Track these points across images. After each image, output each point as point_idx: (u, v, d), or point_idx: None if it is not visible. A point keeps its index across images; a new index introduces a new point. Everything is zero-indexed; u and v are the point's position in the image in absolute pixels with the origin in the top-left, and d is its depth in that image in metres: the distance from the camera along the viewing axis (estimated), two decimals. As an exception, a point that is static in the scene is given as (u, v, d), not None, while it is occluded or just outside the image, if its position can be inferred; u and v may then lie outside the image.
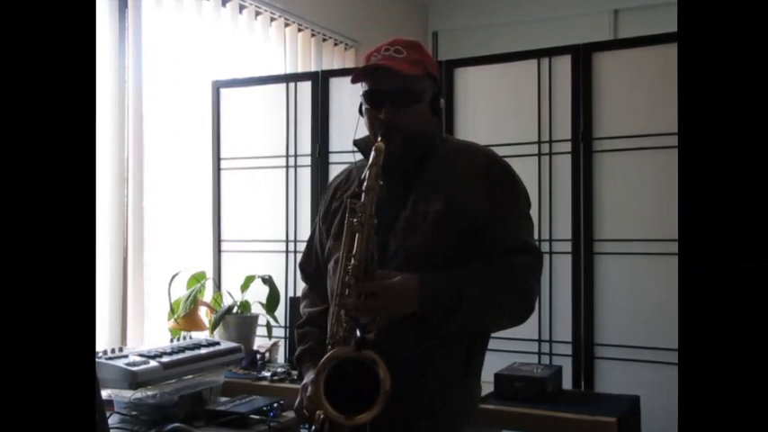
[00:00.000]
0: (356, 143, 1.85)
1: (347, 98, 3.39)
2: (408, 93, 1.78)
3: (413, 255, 1.73)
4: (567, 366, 2.90)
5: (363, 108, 1.83)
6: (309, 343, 1.92)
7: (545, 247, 3.00)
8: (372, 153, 1.68)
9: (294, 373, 2.94)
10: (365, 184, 1.66)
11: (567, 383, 2.87)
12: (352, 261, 1.65)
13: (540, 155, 3.05)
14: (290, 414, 2.52)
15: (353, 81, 1.83)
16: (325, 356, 1.62)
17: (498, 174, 1.81)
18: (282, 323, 3.41)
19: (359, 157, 1.92)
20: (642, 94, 2.90)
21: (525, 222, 1.82)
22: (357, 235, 1.65)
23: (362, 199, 1.66)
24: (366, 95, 1.81)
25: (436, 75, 1.87)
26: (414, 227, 1.75)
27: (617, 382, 2.85)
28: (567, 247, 2.97)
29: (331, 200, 1.95)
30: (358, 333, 1.59)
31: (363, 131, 1.85)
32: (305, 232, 3.46)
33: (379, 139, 1.72)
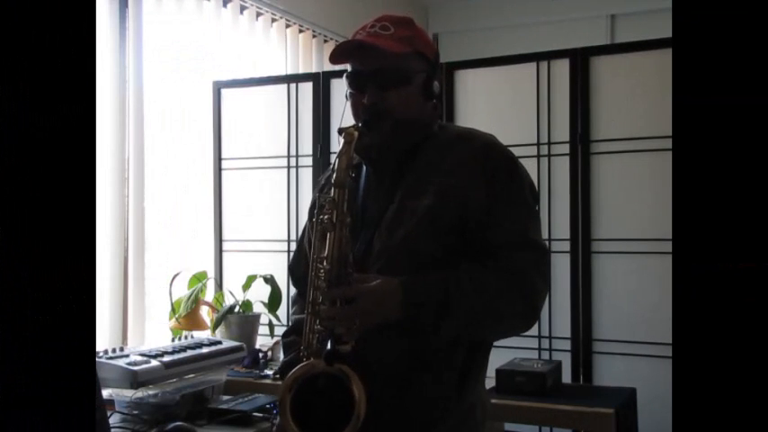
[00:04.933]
0: (340, 131, 1.56)
1: (348, 99, 3.42)
2: (393, 73, 1.58)
3: (398, 255, 1.54)
4: (566, 361, 2.96)
5: (348, 92, 1.64)
6: (292, 354, 1.69)
7: (544, 246, 3.03)
8: (342, 141, 1.51)
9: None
10: (334, 176, 1.50)
11: (566, 377, 2.93)
12: (324, 264, 1.48)
13: (539, 156, 3.09)
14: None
15: (332, 61, 1.65)
16: (292, 371, 1.47)
17: (497, 161, 1.59)
18: (285, 322, 3.42)
19: None
20: (638, 98, 2.95)
21: (528, 215, 1.60)
22: (328, 234, 1.49)
23: (332, 194, 1.49)
24: (348, 77, 1.62)
25: (430, 55, 1.65)
26: (400, 224, 1.55)
27: (614, 376, 2.92)
28: (566, 246, 3.02)
29: (319, 195, 1.70)
30: (329, 345, 1.44)
31: (351, 118, 1.65)
32: (307, 232, 3.50)
33: (355, 126, 1.55)
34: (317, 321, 1.49)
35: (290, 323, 1.86)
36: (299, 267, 1.81)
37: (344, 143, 1.51)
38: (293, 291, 1.79)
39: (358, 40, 1.61)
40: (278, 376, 2.59)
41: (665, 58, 2.80)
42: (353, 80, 1.62)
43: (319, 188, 1.77)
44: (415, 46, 1.62)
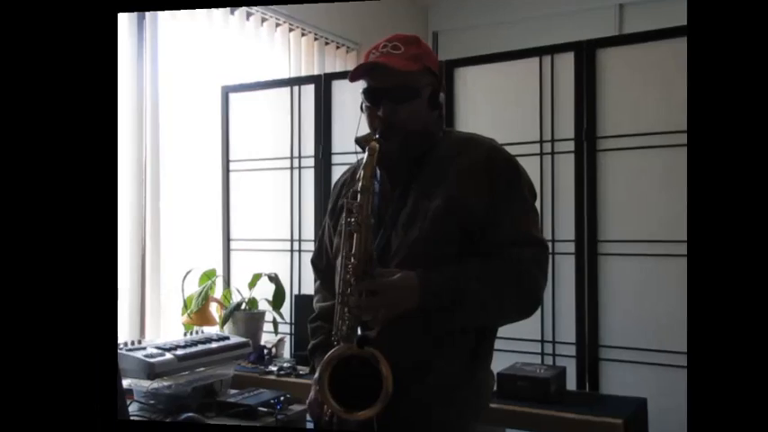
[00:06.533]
0: (357, 140, 1.77)
1: (349, 100, 3.39)
2: (405, 89, 1.76)
3: (414, 252, 1.72)
4: (570, 367, 2.82)
5: (363, 105, 1.82)
6: (321, 337, 1.94)
7: (547, 247, 2.91)
8: (366, 153, 1.69)
9: (300, 368, 3.03)
10: (360, 184, 1.68)
11: (570, 384, 2.78)
12: (352, 260, 1.67)
13: (542, 154, 2.96)
14: (296, 407, 2.61)
15: (351, 79, 1.82)
16: (329, 353, 1.67)
17: (500, 165, 1.77)
18: (288, 320, 3.47)
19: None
20: (648, 91, 2.78)
21: (529, 214, 1.78)
22: (355, 235, 1.67)
23: (358, 199, 1.68)
24: (365, 93, 1.80)
25: (435, 69, 1.83)
26: (414, 224, 1.74)
27: (623, 384, 2.75)
28: (571, 247, 2.88)
29: (337, 197, 1.96)
30: (359, 331, 1.65)
31: (365, 128, 1.82)
32: (309, 232, 3.50)
33: (375, 138, 1.73)
34: (347, 310, 1.68)
35: (314, 311, 2.04)
36: (320, 260, 2.05)
37: (368, 155, 1.69)
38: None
39: (372, 61, 1.77)
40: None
41: (676, 48, 2.65)
42: (369, 95, 1.79)
43: (336, 192, 1.98)
44: (423, 62, 1.79)
